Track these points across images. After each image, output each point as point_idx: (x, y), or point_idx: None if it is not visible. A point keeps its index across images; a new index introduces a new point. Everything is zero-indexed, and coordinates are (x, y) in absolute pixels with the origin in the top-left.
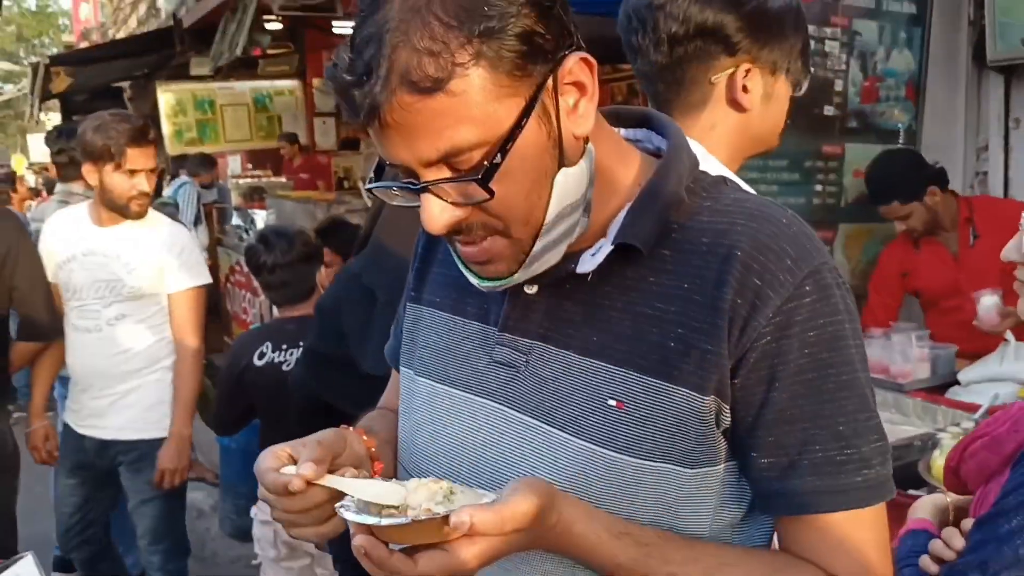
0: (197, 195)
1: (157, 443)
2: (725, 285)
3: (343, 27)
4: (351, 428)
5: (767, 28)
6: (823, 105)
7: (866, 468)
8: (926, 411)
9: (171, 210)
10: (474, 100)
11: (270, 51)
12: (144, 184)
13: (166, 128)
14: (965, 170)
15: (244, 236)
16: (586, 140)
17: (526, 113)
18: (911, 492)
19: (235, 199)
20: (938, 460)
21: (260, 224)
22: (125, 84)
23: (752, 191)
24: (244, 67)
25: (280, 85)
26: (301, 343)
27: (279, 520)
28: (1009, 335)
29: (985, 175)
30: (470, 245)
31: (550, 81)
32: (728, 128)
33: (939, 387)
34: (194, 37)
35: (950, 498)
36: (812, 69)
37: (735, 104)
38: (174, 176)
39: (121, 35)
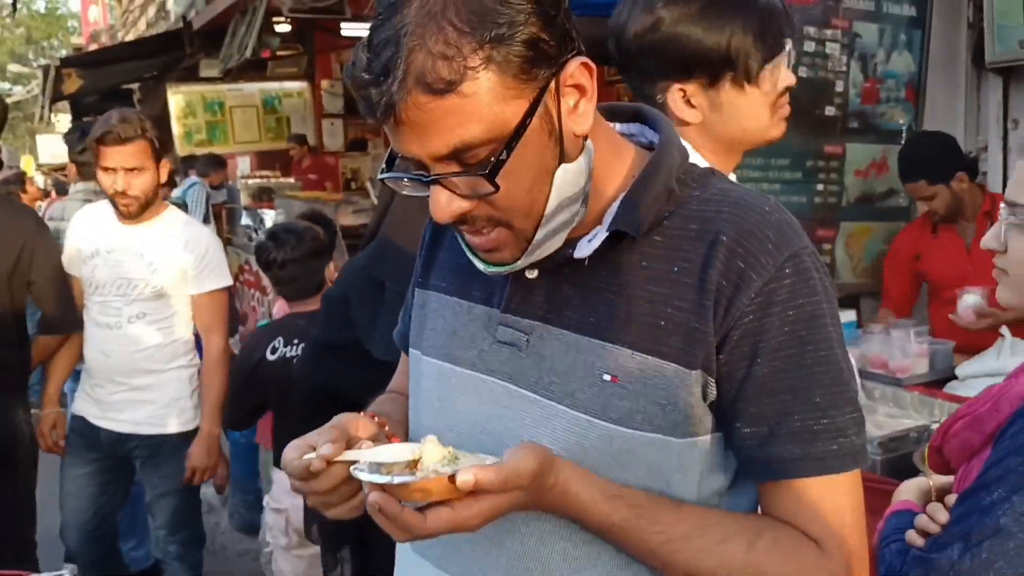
0: (206, 195)
1: (173, 438)
2: (711, 268)
3: (352, 29)
4: (362, 412)
5: (672, 59)
6: (824, 106)
7: (841, 436)
8: (924, 405)
9: None
10: (483, 101)
11: (279, 53)
12: (121, 183)
13: (176, 129)
14: None
15: (253, 236)
16: (585, 138)
17: (530, 113)
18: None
19: (244, 199)
20: None
21: (269, 224)
22: (135, 86)
23: (737, 183)
24: (253, 69)
25: (289, 87)
26: None
27: (314, 506)
28: (1004, 330)
29: (984, 175)
30: (477, 235)
31: (553, 84)
32: (690, 137)
33: (937, 382)
34: (203, 39)
35: (933, 480)
36: (788, 48)
37: (680, 121)
38: (185, 176)
39: (130, 37)
